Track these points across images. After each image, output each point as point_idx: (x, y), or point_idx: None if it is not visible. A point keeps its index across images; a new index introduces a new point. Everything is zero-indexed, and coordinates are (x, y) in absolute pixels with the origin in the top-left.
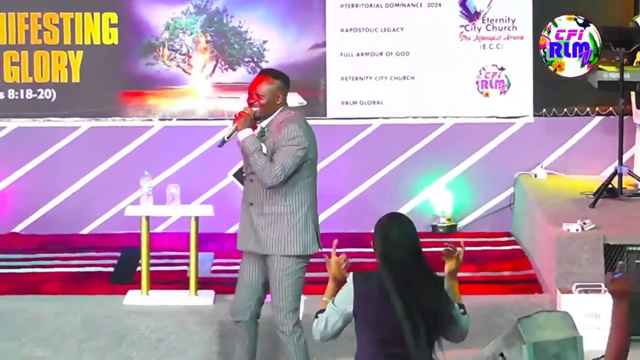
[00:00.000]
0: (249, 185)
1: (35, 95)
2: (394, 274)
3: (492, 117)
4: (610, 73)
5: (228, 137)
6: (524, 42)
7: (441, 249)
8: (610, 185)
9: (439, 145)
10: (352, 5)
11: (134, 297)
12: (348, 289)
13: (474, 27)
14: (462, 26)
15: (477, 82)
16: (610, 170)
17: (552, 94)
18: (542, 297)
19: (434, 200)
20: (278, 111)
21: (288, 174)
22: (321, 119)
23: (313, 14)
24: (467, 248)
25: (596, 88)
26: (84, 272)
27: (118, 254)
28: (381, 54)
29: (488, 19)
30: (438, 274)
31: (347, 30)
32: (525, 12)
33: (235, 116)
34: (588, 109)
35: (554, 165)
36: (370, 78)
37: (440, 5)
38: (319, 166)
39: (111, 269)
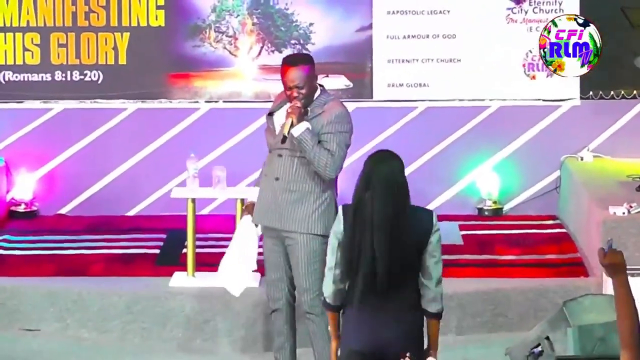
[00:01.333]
0: (276, 160)
1: (82, 77)
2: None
3: (539, 99)
4: None
5: (288, 133)
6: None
7: (487, 232)
8: None
9: (485, 128)
10: None
11: (179, 279)
12: (337, 220)
13: (521, 10)
14: (508, 9)
15: (523, 65)
16: None
17: (599, 77)
18: (587, 280)
19: (480, 183)
20: (317, 93)
21: (342, 159)
22: (367, 101)
23: None
24: (513, 231)
25: None
26: (130, 254)
27: (164, 236)
28: (428, 36)
29: (535, 1)
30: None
31: (393, 12)
32: None
33: (288, 111)
34: (635, 91)
35: (600, 148)
36: (417, 60)
37: None
38: (364, 149)
39: (157, 251)
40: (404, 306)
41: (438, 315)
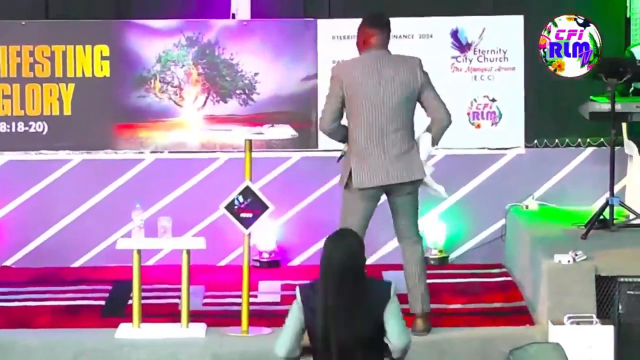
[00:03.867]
0: None
1: (26, 128)
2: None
3: (484, 148)
4: (601, 104)
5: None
6: (516, 73)
7: (433, 281)
8: (601, 217)
9: (431, 176)
10: (344, 37)
11: (125, 330)
12: (296, 303)
13: (466, 59)
14: (453, 57)
15: (468, 114)
16: (601, 201)
17: (544, 125)
18: (533, 328)
19: (426, 232)
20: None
21: (329, 116)
22: (313, 151)
23: (304, 46)
24: (459, 280)
25: (587, 119)
26: (76, 306)
27: (110, 287)
28: None
29: (479, 50)
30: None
31: (339, 61)
32: (516, 43)
33: None
34: (579, 139)
35: (545, 196)
36: None
37: (431, 36)
38: (310, 198)
39: (103, 302)
40: None
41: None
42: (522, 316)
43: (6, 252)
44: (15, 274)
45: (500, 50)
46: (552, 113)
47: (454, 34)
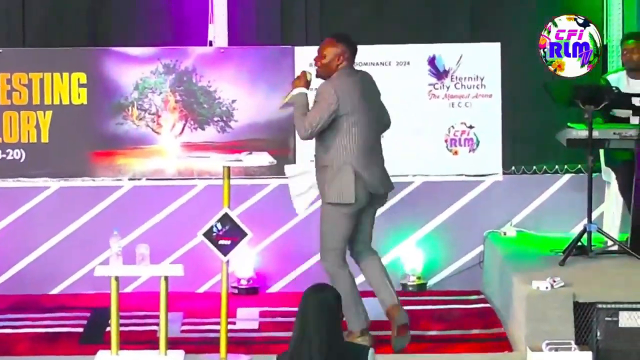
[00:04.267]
0: None
1: (4, 155)
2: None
3: (462, 175)
4: (578, 131)
5: (285, 98)
6: (493, 100)
7: (411, 307)
8: (579, 243)
9: (409, 203)
10: None
11: (103, 358)
12: None
13: (443, 86)
14: (430, 84)
15: (446, 141)
16: (579, 228)
17: (521, 152)
18: (512, 355)
19: (404, 259)
20: (337, 73)
21: (316, 128)
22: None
23: (282, 73)
24: (437, 306)
25: (565, 146)
26: (54, 333)
27: (88, 314)
28: None
29: (457, 77)
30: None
31: (315, 88)
32: (493, 70)
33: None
34: (557, 166)
35: (523, 222)
36: None
37: (409, 63)
38: (289, 225)
39: (81, 330)
40: None
41: None
42: (501, 343)
43: None
44: None
45: (477, 77)
46: (530, 140)
47: (431, 61)
